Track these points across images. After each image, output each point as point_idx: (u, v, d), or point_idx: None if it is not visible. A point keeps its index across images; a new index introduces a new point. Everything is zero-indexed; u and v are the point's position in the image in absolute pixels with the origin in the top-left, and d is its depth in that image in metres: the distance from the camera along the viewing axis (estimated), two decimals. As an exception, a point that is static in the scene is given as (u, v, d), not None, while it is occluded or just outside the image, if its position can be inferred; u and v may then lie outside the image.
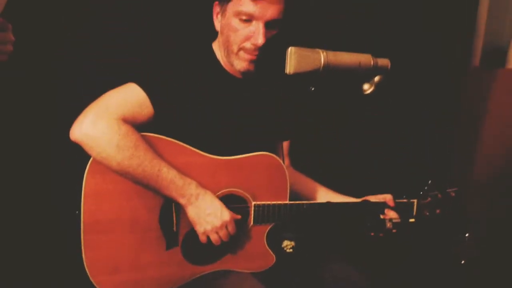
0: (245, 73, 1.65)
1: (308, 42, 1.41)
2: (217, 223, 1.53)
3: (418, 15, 2.58)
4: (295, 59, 1.30)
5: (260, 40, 1.54)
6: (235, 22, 1.56)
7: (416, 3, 2.57)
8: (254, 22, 1.55)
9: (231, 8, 1.56)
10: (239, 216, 1.58)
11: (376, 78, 1.42)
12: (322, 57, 1.32)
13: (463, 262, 1.42)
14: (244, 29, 1.56)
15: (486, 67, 2.99)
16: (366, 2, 2.45)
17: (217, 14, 1.64)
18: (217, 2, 1.63)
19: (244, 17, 1.54)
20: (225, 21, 1.59)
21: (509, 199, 2.76)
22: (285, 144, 1.90)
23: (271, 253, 1.67)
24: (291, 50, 1.31)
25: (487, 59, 3.03)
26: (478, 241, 1.51)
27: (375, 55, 1.44)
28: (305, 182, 1.90)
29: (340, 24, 2.34)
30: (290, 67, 1.31)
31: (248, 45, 1.57)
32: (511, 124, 2.81)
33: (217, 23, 1.65)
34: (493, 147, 2.85)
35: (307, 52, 1.32)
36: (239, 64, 1.61)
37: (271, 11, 1.54)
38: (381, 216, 1.48)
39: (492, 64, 3.02)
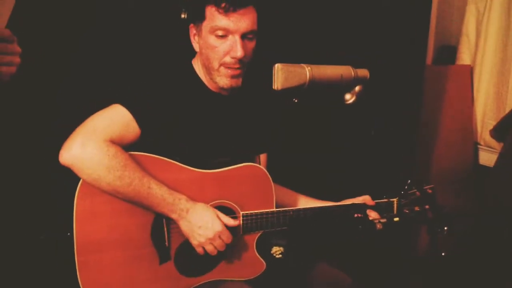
0: (227, 90, 1.69)
1: (284, 57, 1.45)
2: (210, 234, 1.56)
3: (377, 21, 2.67)
4: (282, 75, 1.34)
5: (239, 52, 1.57)
6: (212, 39, 1.60)
7: (372, 10, 2.66)
8: (230, 36, 1.58)
9: (205, 26, 1.60)
10: (233, 223, 1.60)
11: (357, 88, 1.49)
12: (308, 71, 1.37)
13: (443, 254, 1.51)
14: (221, 45, 1.59)
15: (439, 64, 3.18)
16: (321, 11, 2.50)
17: (194, 35, 1.68)
18: (192, 24, 1.67)
19: (220, 33, 1.58)
20: (202, 41, 1.63)
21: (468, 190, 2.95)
22: (262, 157, 1.93)
23: (261, 260, 1.71)
24: (277, 66, 1.35)
25: (438, 57, 3.22)
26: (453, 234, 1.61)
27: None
28: (285, 193, 1.92)
29: (304, 37, 2.39)
30: (277, 83, 1.35)
31: (228, 59, 1.60)
32: (465, 114, 2.99)
33: (195, 44, 1.69)
34: (449, 140, 3.02)
35: (293, 68, 1.36)
36: (222, 80, 1.65)
37: (245, 23, 1.57)
38: (370, 218, 1.56)
39: (444, 61, 3.21)
